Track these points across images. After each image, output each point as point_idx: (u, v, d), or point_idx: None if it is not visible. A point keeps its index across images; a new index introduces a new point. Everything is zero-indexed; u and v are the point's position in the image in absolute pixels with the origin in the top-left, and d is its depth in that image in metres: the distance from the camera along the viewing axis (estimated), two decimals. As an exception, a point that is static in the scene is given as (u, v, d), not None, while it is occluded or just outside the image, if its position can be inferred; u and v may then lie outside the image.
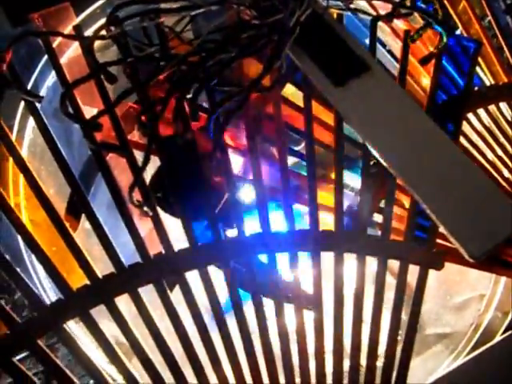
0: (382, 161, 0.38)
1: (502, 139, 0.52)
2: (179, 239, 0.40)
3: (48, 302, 0.37)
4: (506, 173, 0.52)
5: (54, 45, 0.38)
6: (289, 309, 0.40)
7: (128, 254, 0.39)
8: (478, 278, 0.57)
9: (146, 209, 0.37)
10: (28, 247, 0.38)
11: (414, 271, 0.41)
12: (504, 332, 0.54)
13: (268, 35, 0.34)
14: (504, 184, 0.50)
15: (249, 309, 0.39)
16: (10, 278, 0.37)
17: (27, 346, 0.36)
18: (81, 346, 0.37)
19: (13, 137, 0.39)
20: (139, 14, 0.34)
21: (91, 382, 0.46)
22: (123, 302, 0.38)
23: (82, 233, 0.43)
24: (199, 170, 0.39)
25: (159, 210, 0.39)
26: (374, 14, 0.42)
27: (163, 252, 0.39)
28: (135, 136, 0.42)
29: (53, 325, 0.36)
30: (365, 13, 0.41)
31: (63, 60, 0.38)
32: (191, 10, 0.34)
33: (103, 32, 0.36)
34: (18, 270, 0.37)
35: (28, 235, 0.37)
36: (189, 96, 0.33)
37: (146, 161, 0.35)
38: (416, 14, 0.42)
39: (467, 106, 0.46)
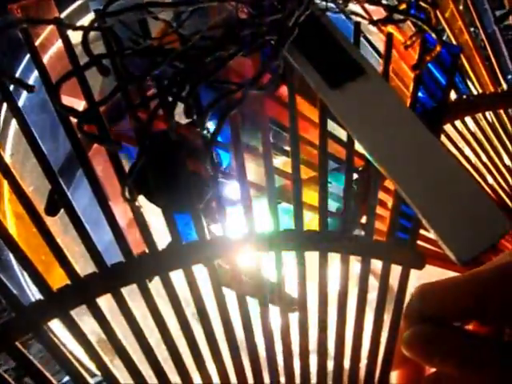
0: (374, 162, 0.38)
1: (486, 145, 0.53)
2: (163, 238, 0.39)
3: (33, 300, 0.36)
4: (489, 179, 0.53)
5: (37, 43, 0.36)
6: (273, 309, 0.40)
7: (112, 250, 0.38)
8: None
9: (137, 204, 0.36)
10: (6, 247, 0.36)
11: (396, 275, 0.42)
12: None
13: (266, 34, 0.34)
14: (488, 190, 0.51)
15: (233, 308, 0.39)
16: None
17: (5, 348, 0.34)
18: (60, 346, 0.36)
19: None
20: (137, 7, 0.33)
21: (66, 378, 0.45)
22: (104, 299, 0.37)
23: (63, 227, 0.41)
24: (185, 164, 0.38)
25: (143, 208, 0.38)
26: (368, 18, 0.42)
27: (147, 251, 0.38)
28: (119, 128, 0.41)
29: (33, 326, 0.35)
30: (361, 17, 0.41)
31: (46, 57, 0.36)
32: (190, 5, 0.33)
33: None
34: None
35: (6, 234, 0.36)
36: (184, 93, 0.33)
37: (140, 157, 0.34)
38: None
39: (451, 113, 0.46)
